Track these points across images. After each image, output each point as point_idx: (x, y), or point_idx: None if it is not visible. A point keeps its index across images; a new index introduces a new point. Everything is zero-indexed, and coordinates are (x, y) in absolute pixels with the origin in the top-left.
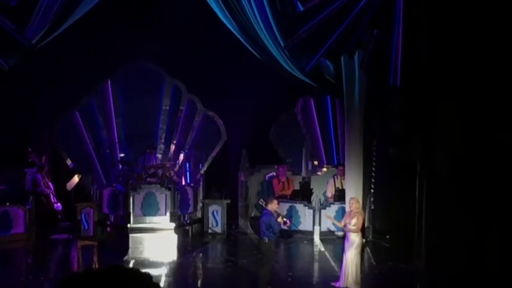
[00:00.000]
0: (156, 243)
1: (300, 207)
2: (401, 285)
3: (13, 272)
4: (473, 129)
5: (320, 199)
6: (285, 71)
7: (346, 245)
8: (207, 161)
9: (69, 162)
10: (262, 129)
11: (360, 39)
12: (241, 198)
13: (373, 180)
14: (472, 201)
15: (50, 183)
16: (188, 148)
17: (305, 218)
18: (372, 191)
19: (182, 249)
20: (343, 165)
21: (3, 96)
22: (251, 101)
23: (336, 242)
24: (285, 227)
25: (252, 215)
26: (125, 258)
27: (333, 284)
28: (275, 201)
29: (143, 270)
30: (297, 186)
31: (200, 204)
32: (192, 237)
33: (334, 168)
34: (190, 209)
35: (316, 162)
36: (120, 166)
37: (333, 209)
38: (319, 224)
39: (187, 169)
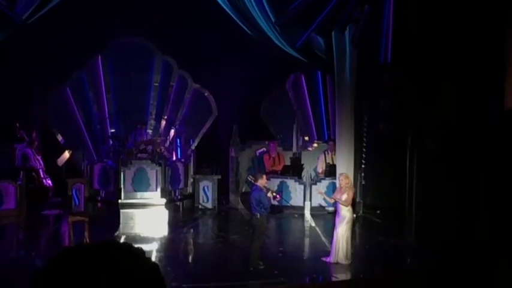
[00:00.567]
0: (147, 219)
1: (290, 182)
2: (392, 260)
3: (4, 247)
4: (463, 104)
5: (311, 174)
6: (276, 46)
7: (337, 220)
8: (197, 137)
9: (59, 137)
10: (253, 105)
11: (351, 14)
12: (232, 173)
13: (363, 155)
14: (462, 175)
15: (39, 159)
16: (179, 124)
17: (296, 193)
18: (363, 166)
19: (173, 224)
20: (334, 141)
21: None
22: (242, 77)
23: (326, 217)
24: (275, 202)
25: (243, 190)
26: (115, 234)
27: (323, 259)
28: (264, 177)
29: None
30: (287, 162)
31: (191, 180)
32: (182, 213)
33: (325, 144)
34: (181, 185)
35: (306, 138)
36: (111, 142)
37: (324, 184)
38: (310, 200)
39: (178, 145)
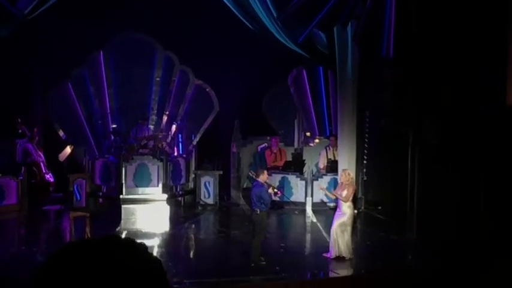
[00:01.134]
0: (148, 214)
1: (292, 178)
2: (393, 256)
3: (5, 243)
4: (465, 100)
5: (312, 170)
6: (277, 42)
7: (337, 215)
8: (199, 132)
9: (61, 133)
10: (255, 101)
11: (353, 10)
12: (234, 169)
13: (365, 151)
14: (463, 171)
15: (41, 154)
16: (180, 119)
17: (297, 189)
18: (365, 162)
19: (174, 220)
20: (336, 136)
21: None
22: (244, 72)
23: (328, 213)
24: (276, 198)
25: (244, 186)
26: (117, 229)
27: (324, 255)
28: (265, 173)
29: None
30: (289, 158)
31: (192, 175)
32: (184, 208)
33: (327, 140)
34: (183, 180)
35: (308, 134)
36: (113, 137)
37: (325, 180)
38: (312, 195)
39: (180, 140)
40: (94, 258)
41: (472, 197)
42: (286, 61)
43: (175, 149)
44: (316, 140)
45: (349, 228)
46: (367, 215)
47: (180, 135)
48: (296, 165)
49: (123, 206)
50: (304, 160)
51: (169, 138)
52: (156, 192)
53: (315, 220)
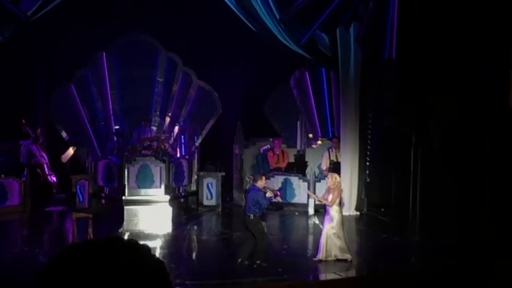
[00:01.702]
0: (151, 216)
1: (294, 179)
2: (396, 258)
3: (8, 244)
4: (468, 101)
5: (315, 172)
6: (280, 43)
7: (326, 219)
8: (201, 134)
9: (64, 134)
10: (257, 102)
11: (355, 11)
12: (236, 170)
13: (368, 152)
14: (466, 173)
15: (44, 155)
16: (183, 121)
17: (299, 190)
18: (367, 163)
19: (177, 221)
20: (338, 138)
21: None
22: (246, 74)
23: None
24: (278, 199)
25: (247, 187)
26: (119, 231)
27: (314, 259)
28: (263, 178)
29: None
30: (291, 159)
31: (195, 177)
32: (186, 210)
33: (329, 141)
34: (185, 182)
35: (311, 135)
36: (115, 138)
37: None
38: None
39: (182, 141)
40: (97, 259)
41: (475, 198)
42: (288, 63)
43: (178, 150)
44: (319, 142)
45: (340, 233)
46: (370, 216)
47: (182, 137)
48: (298, 167)
49: (125, 207)
50: (307, 162)
51: (172, 139)
52: (158, 194)
53: (317, 222)
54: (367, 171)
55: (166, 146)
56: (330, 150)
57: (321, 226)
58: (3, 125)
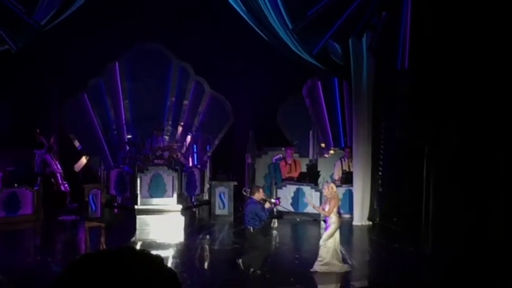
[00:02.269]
0: (163, 225)
1: (307, 189)
2: (408, 268)
3: (21, 252)
4: (482, 111)
5: (327, 181)
6: (292, 53)
7: (325, 228)
8: (214, 143)
9: (77, 143)
10: (270, 112)
11: (368, 21)
12: (248, 180)
13: (380, 162)
14: (480, 184)
15: (58, 164)
16: (195, 130)
17: (312, 200)
18: (380, 173)
19: (189, 231)
20: (350, 148)
21: (12, 77)
22: (258, 83)
23: (343, 224)
24: (282, 207)
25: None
26: (132, 240)
27: (311, 270)
28: (261, 190)
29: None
30: (304, 169)
31: (207, 186)
32: (198, 219)
33: (342, 151)
34: (197, 191)
35: (323, 145)
36: (128, 147)
37: (340, 191)
38: None
39: (195, 151)
40: (110, 269)
41: (487, 210)
42: (301, 72)
43: (190, 159)
44: (331, 151)
45: (335, 242)
46: (383, 226)
47: (195, 146)
48: (311, 176)
49: (138, 217)
50: (319, 171)
51: (184, 148)
52: (170, 203)
53: None
54: (380, 181)
55: (179, 155)
56: (343, 159)
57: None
58: (17, 135)
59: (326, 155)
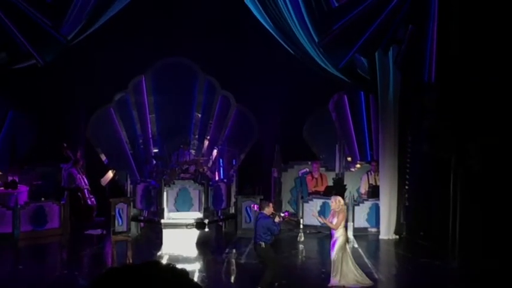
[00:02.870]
0: (189, 239)
1: None
2: (434, 282)
3: (48, 266)
4: (508, 124)
5: (354, 195)
6: (318, 67)
7: (332, 243)
8: (240, 157)
9: (103, 157)
10: (296, 125)
11: (394, 35)
12: (275, 194)
13: (407, 176)
14: (507, 197)
15: (85, 178)
16: (221, 144)
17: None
18: (406, 187)
19: (215, 245)
20: (377, 161)
21: (39, 91)
22: (285, 97)
23: (369, 238)
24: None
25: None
26: (158, 254)
27: (328, 285)
28: (270, 205)
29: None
30: (330, 183)
31: (233, 200)
32: (225, 233)
33: (368, 165)
34: (224, 205)
35: (349, 159)
36: (154, 162)
37: (367, 205)
38: (353, 221)
39: (221, 165)
40: (136, 283)
41: None
42: (327, 86)
43: (217, 173)
44: (358, 165)
45: (345, 255)
46: (409, 240)
47: (221, 160)
48: (337, 190)
49: (164, 231)
50: (346, 185)
51: (211, 162)
52: (197, 217)
53: (356, 245)
54: (406, 195)
55: (205, 169)
56: (369, 173)
57: (360, 250)
58: (44, 149)
59: (352, 169)
